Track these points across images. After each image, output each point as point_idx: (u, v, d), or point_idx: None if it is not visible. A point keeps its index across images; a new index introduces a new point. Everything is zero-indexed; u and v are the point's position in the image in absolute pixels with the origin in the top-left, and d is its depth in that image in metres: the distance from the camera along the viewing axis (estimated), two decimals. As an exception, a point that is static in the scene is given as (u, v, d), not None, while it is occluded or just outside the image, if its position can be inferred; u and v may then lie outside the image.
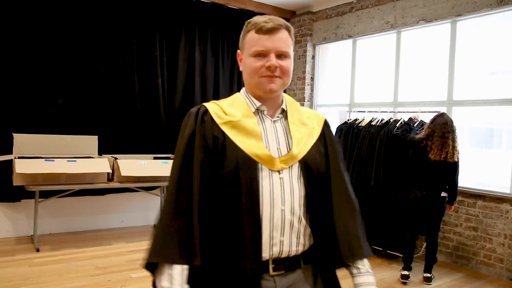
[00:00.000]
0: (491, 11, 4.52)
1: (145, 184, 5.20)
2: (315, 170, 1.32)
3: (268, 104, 1.35)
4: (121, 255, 4.53)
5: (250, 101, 1.35)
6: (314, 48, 6.72)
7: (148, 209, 5.90)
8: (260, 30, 1.27)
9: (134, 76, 5.61)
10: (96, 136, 5.18)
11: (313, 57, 6.73)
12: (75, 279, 3.80)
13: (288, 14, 6.85)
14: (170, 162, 4.85)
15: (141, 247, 4.83)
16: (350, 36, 6.07)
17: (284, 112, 1.38)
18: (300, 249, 1.29)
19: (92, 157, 5.01)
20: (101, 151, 5.26)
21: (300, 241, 1.29)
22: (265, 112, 1.35)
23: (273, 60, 1.27)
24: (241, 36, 1.36)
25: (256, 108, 1.34)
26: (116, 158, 5.02)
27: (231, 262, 1.23)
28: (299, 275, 1.30)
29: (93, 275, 3.93)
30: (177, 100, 6.00)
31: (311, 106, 6.71)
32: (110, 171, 4.90)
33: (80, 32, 5.21)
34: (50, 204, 5.15)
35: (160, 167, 5.19)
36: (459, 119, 4.93)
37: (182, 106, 6.03)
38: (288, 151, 1.30)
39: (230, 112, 1.32)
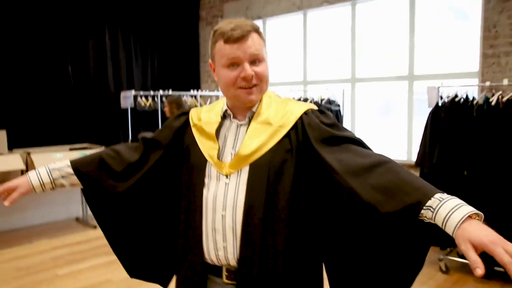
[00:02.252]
0: (385, -5, 4.93)
1: (63, 178, 5.06)
2: (269, 172, 1.21)
3: (238, 109, 1.31)
4: (44, 253, 4.43)
5: (223, 106, 1.35)
6: (226, 29, 6.81)
7: (69, 202, 5.75)
8: (229, 40, 1.20)
9: (43, 63, 5.35)
10: (4, 130, 4.91)
11: (226, 37, 6.83)
12: (-3, 283, 3.70)
13: (198, -5, 6.86)
14: (87, 152, 4.81)
15: (66, 242, 4.76)
16: (259, 17, 6.24)
17: (253, 114, 1.30)
18: (248, 260, 1.21)
19: (1, 154, 4.76)
20: (11, 146, 5.01)
21: (246, 250, 1.21)
22: (232, 118, 1.32)
23: (247, 70, 1.20)
24: (209, 45, 1.30)
25: (222, 113, 1.34)
26: (29, 153, 4.83)
27: (181, 258, 1.34)
28: None
29: (15, 277, 3.83)
30: (90, 87, 5.83)
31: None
32: (24, 167, 4.71)
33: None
34: (-42, 207, 4.84)
35: (76, 158, 5.07)
36: (362, 94, 5.40)
37: (96, 93, 5.89)
38: (235, 154, 1.27)
39: (203, 116, 1.37)
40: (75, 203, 5.75)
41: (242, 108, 1.30)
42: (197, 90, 6.64)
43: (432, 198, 0.99)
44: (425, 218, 1.00)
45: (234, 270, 1.24)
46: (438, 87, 3.98)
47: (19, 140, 5.15)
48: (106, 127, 6.03)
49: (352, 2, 5.25)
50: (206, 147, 1.31)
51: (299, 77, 5.93)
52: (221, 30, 1.22)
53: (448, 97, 3.89)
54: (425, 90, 4.08)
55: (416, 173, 4.42)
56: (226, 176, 1.25)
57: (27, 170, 4.78)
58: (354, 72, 5.36)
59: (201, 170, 1.29)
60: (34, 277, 3.84)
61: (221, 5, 6.68)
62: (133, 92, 5.84)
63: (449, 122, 3.76)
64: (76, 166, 1.44)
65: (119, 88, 6.16)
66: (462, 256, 3.99)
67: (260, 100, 1.31)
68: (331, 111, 5.10)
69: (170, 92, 6.21)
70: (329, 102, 5.17)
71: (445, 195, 0.99)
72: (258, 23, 6.41)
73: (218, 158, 1.28)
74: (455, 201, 0.97)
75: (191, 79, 7.04)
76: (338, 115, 5.20)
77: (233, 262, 1.24)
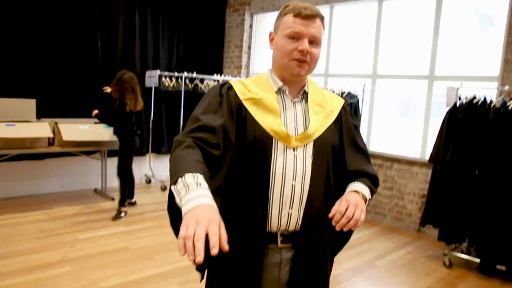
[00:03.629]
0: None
1: (86, 149, 5.27)
2: (328, 150, 1.41)
3: (290, 85, 1.42)
4: (65, 218, 4.65)
5: (273, 81, 1.42)
6: (252, 17, 6.94)
7: (88, 173, 5.98)
8: (299, 15, 1.32)
9: (73, 38, 5.53)
10: (34, 100, 5.10)
11: (251, 26, 6.96)
12: (22, 242, 3.91)
13: (228, -18, 6.98)
14: (111, 127, 4.98)
15: (85, 210, 4.98)
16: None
17: (305, 94, 1.44)
18: (310, 224, 1.37)
19: (30, 121, 4.96)
20: (39, 115, 5.21)
21: (310, 215, 1.36)
22: (287, 92, 1.42)
23: (306, 44, 1.32)
24: (276, 17, 1.40)
25: (278, 87, 1.41)
26: (56, 123, 5.03)
27: (242, 227, 1.34)
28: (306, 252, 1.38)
29: (40, 237, 4.06)
30: (117, 64, 6.01)
31: (247, 74, 6.99)
32: (52, 135, 4.91)
33: (13, -8, 5.03)
34: (-14, 169, 5.09)
35: (101, 132, 5.27)
36: (381, 91, 5.50)
37: (121, 70, 6.05)
38: (304, 131, 1.38)
39: (253, 89, 1.40)
40: (94, 175, 5.97)
41: (295, 86, 1.42)
42: (220, 75, 6.79)
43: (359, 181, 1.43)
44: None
45: (289, 234, 1.36)
46: (458, 88, 4.07)
47: (47, 110, 5.35)
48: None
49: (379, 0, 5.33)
50: (267, 121, 1.35)
51: (321, 69, 6.03)
52: (294, 6, 1.34)
53: (466, 98, 3.99)
54: (444, 92, 4.18)
55: (428, 169, 4.53)
56: (294, 149, 1.36)
57: (53, 138, 4.99)
58: (376, 68, 5.46)
59: (264, 144, 1.33)
60: (57, 238, 4.06)
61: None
62: (158, 72, 6.00)
63: (465, 122, 3.86)
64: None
65: (145, 67, 6.33)
66: (466, 253, 4.12)
67: (307, 83, 1.46)
68: (350, 105, 5.22)
69: (194, 74, 6.37)
70: (350, 96, 5.28)
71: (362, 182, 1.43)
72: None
73: (284, 131, 1.36)
74: (362, 184, 1.41)
75: (215, 64, 7.18)
76: (356, 109, 5.32)
77: (292, 227, 1.36)
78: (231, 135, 1.30)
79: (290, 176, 1.34)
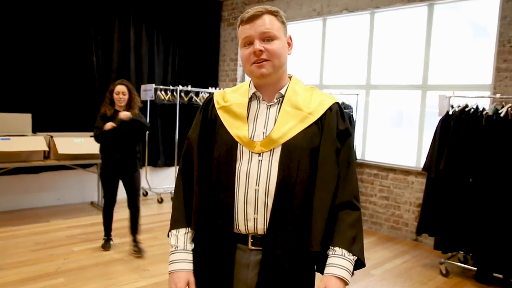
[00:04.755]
0: (402, 6, 5.08)
1: (82, 162, 5.28)
2: (299, 154, 1.34)
3: (264, 89, 1.42)
4: (60, 231, 4.63)
5: (250, 88, 1.45)
6: (247, 30, 7.00)
7: (84, 187, 5.97)
8: (243, 21, 1.36)
9: (68, 53, 5.58)
10: (30, 114, 5.14)
11: (246, 39, 7.02)
12: (16, 255, 3.89)
13: (222, -3, 7.09)
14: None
15: (80, 223, 4.96)
16: (281, 21, 6.41)
17: (282, 97, 1.42)
18: (276, 229, 1.34)
19: (26, 135, 4.98)
20: (35, 129, 5.23)
21: (275, 220, 1.34)
22: (261, 98, 1.43)
23: (257, 45, 1.33)
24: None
25: (251, 93, 1.43)
26: (51, 136, 5.05)
27: (211, 231, 1.41)
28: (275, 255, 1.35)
29: (34, 250, 4.04)
30: (112, 78, 6.05)
31: (244, 87, 7.03)
32: (47, 149, 4.93)
33: (14, 9, 5.08)
34: (-19, 183, 5.09)
35: (96, 144, 5.23)
36: (375, 101, 5.55)
37: (117, 85, 6.11)
38: (267, 135, 1.37)
39: (229, 97, 1.45)
40: (90, 188, 5.97)
41: (269, 89, 1.41)
42: (215, 88, 6.83)
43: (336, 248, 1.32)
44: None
45: (260, 237, 1.36)
46: (450, 97, 4.10)
47: (42, 125, 5.38)
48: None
49: (371, 11, 5.41)
50: (234, 127, 1.39)
51: (316, 80, 6.08)
52: (241, 15, 1.38)
53: (458, 106, 4.02)
54: (437, 103, 4.21)
55: (423, 179, 4.54)
56: (259, 154, 1.36)
57: (49, 152, 5.00)
58: (369, 78, 5.51)
59: (232, 150, 1.38)
60: (51, 251, 4.03)
61: (243, 6, 6.88)
62: (153, 85, 6.04)
63: (458, 130, 3.89)
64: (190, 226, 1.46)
65: (140, 81, 6.37)
66: (463, 261, 4.10)
67: (288, 85, 1.43)
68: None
69: (189, 88, 6.41)
70: (344, 106, 5.31)
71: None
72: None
73: (250, 137, 1.37)
74: (341, 262, 1.31)
75: (210, 77, 7.23)
76: (351, 120, 5.35)
77: (261, 231, 1.36)
78: (205, 144, 1.44)
79: (254, 181, 1.35)
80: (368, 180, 5.40)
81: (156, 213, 5.65)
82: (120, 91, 3.98)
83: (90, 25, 5.74)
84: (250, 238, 1.37)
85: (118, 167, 4.00)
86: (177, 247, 1.43)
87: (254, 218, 1.35)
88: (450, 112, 4.05)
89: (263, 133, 1.37)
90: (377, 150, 5.53)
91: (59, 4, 5.45)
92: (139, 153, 4.21)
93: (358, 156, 5.52)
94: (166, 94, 6.47)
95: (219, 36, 7.31)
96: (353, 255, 1.30)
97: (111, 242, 4.23)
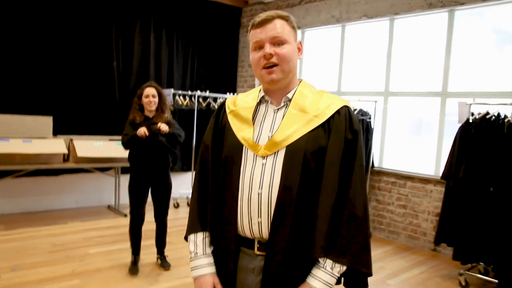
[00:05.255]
0: (422, 12, 5.02)
1: (100, 165, 5.34)
2: (304, 157, 1.31)
3: (273, 93, 1.42)
4: (77, 233, 4.69)
5: (260, 92, 1.46)
6: (265, 37, 7.02)
7: (102, 190, 6.04)
8: (254, 26, 1.37)
9: (89, 58, 5.68)
10: (51, 117, 5.22)
11: (264, 45, 7.03)
12: (33, 255, 3.95)
13: (241, 4, 7.12)
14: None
15: (97, 226, 5.01)
16: (299, 28, 6.42)
17: (290, 101, 1.41)
18: (278, 234, 1.32)
19: (46, 138, 5.07)
20: (56, 132, 5.32)
21: (278, 225, 1.31)
22: (270, 101, 1.44)
23: (267, 48, 1.33)
24: None
25: (260, 98, 1.45)
26: (72, 139, 5.13)
27: (218, 233, 1.43)
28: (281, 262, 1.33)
29: (51, 251, 4.09)
30: (132, 83, 6.13)
31: (261, 93, 7.04)
32: (66, 152, 5.00)
33: (36, 13, 5.21)
34: (2, 184, 5.19)
35: (115, 148, 5.34)
36: (394, 108, 5.48)
37: (137, 89, 6.15)
38: (270, 138, 1.36)
39: (239, 102, 1.48)
40: (108, 192, 6.03)
41: (278, 93, 1.41)
42: (233, 94, 6.85)
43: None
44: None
45: (265, 242, 1.34)
46: (470, 104, 4.02)
47: (63, 127, 5.46)
48: (143, 122, 6.30)
49: (390, 17, 5.36)
50: (240, 130, 1.41)
51: (334, 87, 6.04)
52: (252, 20, 1.39)
53: (479, 114, 3.93)
54: (457, 110, 4.13)
55: (442, 187, 4.44)
56: (263, 157, 1.35)
57: (69, 155, 5.08)
58: (388, 85, 5.44)
59: (236, 152, 1.39)
60: (67, 252, 4.08)
61: (262, 12, 6.88)
62: (172, 90, 6.09)
63: (479, 138, 3.80)
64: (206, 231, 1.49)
65: (159, 86, 6.42)
66: (484, 273, 3.99)
67: (296, 89, 1.42)
68: (362, 122, 5.20)
69: (207, 93, 6.44)
70: (361, 113, 5.27)
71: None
72: (297, 34, 6.58)
73: (255, 140, 1.37)
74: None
75: (228, 83, 7.26)
76: (369, 127, 5.29)
77: (266, 235, 1.34)
78: (218, 148, 1.47)
79: (257, 184, 1.34)
80: (385, 188, 5.33)
81: (172, 218, 5.61)
82: (150, 93, 3.66)
83: (112, 29, 5.83)
84: (256, 243, 1.37)
85: (148, 176, 3.69)
86: (196, 253, 1.45)
87: (258, 222, 1.34)
88: (471, 120, 3.97)
89: (268, 136, 1.37)
90: (395, 158, 5.45)
91: (82, 8, 5.56)
92: (174, 156, 3.87)
93: (376, 163, 5.45)
94: (185, 99, 6.51)
95: (238, 42, 7.34)
96: (342, 266, 1.30)
97: (139, 264, 3.81)
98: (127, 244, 4.31)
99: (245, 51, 7.23)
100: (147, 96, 3.67)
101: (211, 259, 1.45)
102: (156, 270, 3.80)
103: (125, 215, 5.49)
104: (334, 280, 1.32)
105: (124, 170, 5.79)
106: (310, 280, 1.32)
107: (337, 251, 1.29)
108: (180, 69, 6.74)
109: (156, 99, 3.71)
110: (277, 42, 1.34)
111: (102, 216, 5.47)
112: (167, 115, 3.76)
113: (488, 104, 4.03)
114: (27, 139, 4.84)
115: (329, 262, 1.29)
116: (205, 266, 1.43)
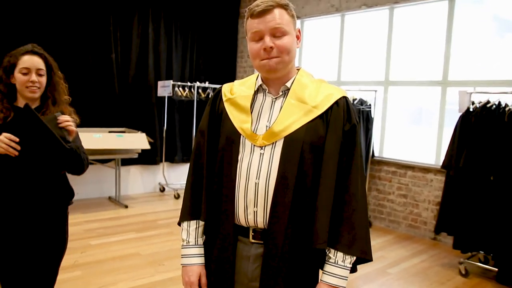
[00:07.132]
0: (422, 1, 4.98)
1: (100, 157, 5.34)
2: (302, 148, 1.31)
3: (271, 83, 1.40)
4: (78, 225, 4.70)
5: (257, 80, 1.44)
6: (264, 27, 6.98)
7: (102, 182, 6.04)
8: (253, 15, 1.31)
9: (88, 50, 5.65)
10: (50, 110, 5.20)
11: (264, 35, 6.99)
12: (35, 247, 3.95)
13: (240, -7, 7.07)
14: (125, 135, 5.05)
15: (98, 217, 5.02)
16: (298, 17, 6.38)
17: (288, 90, 1.39)
18: (275, 224, 1.32)
19: (46, 131, 5.06)
20: (55, 125, 5.30)
21: (275, 215, 1.32)
22: (267, 90, 1.41)
23: (266, 41, 1.30)
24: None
25: (257, 86, 1.42)
26: (71, 132, 5.11)
27: (214, 222, 1.43)
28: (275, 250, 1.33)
29: (53, 243, 4.09)
30: (131, 75, 6.11)
31: (261, 83, 7.02)
32: (66, 144, 4.99)
33: (34, 5, 5.17)
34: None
35: (115, 140, 5.33)
36: (394, 97, 5.46)
37: (136, 81, 6.18)
38: (268, 128, 1.35)
39: (236, 90, 1.45)
40: (108, 183, 6.04)
41: (276, 82, 1.39)
42: (232, 84, 6.81)
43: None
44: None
45: (261, 231, 1.35)
46: (471, 93, 4.00)
47: (62, 119, 5.45)
48: (143, 114, 6.30)
49: (390, 6, 5.32)
50: (238, 120, 1.39)
51: (333, 77, 6.02)
52: (249, 7, 1.34)
53: (480, 103, 3.92)
54: (457, 100, 4.11)
55: (443, 176, 4.45)
56: (261, 147, 1.34)
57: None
58: (388, 74, 5.42)
59: (234, 142, 1.38)
60: (69, 244, 4.00)
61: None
62: (171, 82, 6.07)
63: (479, 127, 3.79)
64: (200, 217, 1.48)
65: (158, 78, 6.41)
66: (484, 261, 4.01)
67: (295, 78, 1.40)
68: (362, 112, 5.18)
69: (207, 84, 6.42)
70: (361, 102, 5.25)
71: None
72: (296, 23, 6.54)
73: (253, 130, 1.36)
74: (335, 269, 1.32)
75: (227, 73, 7.23)
76: (369, 116, 5.28)
77: (261, 224, 1.35)
78: (213, 136, 1.45)
79: (254, 174, 1.33)
80: (386, 178, 5.33)
81: (172, 209, 5.68)
82: (32, 67, 1.91)
83: (110, 21, 5.80)
84: (251, 231, 1.37)
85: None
86: (188, 242, 1.47)
87: (254, 212, 1.34)
88: (471, 109, 3.95)
89: (266, 126, 1.36)
90: (395, 147, 5.44)
91: (79, 0, 5.52)
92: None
93: (376, 153, 5.45)
94: (184, 90, 6.49)
95: (237, 33, 7.30)
96: (352, 256, 1.31)
97: None
98: (127, 236, 4.34)
99: (244, 42, 7.18)
100: (27, 72, 1.90)
101: (201, 250, 1.47)
102: (157, 262, 3.81)
103: (126, 206, 5.51)
104: (348, 272, 1.33)
105: (124, 162, 5.79)
106: (326, 278, 1.32)
107: (345, 243, 1.29)
108: (179, 60, 6.71)
109: (44, 79, 1.97)
110: (277, 32, 1.31)
111: (103, 208, 5.48)
112: (67, 111, 2.07)
113: (488, 92, 4.02)
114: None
115: (340, 256, 1.30)
116: (195, 256, 1.46)
